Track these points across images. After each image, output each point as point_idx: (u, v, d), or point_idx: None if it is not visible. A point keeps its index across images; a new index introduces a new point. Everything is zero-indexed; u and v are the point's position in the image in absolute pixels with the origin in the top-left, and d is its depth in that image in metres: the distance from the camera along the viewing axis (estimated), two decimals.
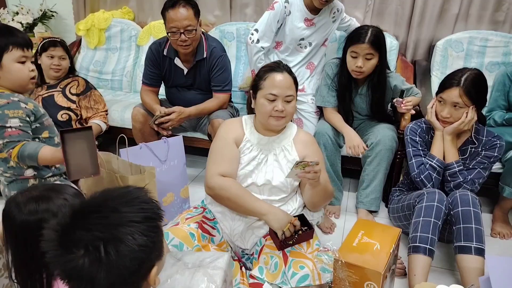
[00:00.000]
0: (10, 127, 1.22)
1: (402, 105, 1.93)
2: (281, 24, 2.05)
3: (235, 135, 1.52)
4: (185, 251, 1.39)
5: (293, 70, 2.14)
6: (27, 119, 1.29)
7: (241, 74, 2.63)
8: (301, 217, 1.49)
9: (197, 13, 1.96)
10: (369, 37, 1.86)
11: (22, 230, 0.90)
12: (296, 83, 1.50)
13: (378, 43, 1.88)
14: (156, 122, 1.98)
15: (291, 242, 1.40)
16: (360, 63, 1.89)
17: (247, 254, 1.54)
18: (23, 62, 1.29)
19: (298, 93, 2.18)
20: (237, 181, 1.48)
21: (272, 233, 1.42)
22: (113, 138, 1.83)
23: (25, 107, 1.29)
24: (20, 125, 1.25)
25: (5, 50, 1.25)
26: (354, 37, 1.92)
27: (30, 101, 1.36)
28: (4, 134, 1.21)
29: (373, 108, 2.05)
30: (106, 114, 2.35)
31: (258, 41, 2.03)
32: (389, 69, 2.09)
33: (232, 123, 1.58)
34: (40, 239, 0.73)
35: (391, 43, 2.40)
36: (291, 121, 2.25)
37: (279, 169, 1.49)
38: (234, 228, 1.49)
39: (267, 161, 1.50)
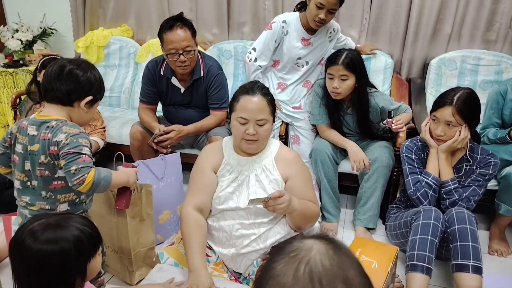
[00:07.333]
0: (85, 154, 1.27)
1: (393, 124, 1.97)
2: (279, 44, 2.08)
3: (213, 162, 1.50)
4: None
5: (290, 88, 2.20)
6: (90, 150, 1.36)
7: None
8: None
9: (194, 33, 1.99)
10: (343, 59, 1.92)
11: (37, 259, 0.88)
12: (272, 105, 1.46)
13: (353, 64, 1.93)
14: (155, 141, 1.99)
15: None
16: (336, 84, 1.94)
17: (243, 276, 1.51)
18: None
19: (295, 110, 2.23)
20: (202, 221, 1.44)
21: None
22: (110, 155, 1.83)
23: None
24: (88, 154, 1.30)
25: (98, 101, 1.42)
26: (330, 59, 1.99)
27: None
28: (79, 160, 1.25)
29: (360, 126, 2.08)
30: (104, 131, 2.36)
31: (255, 59, 2.06)
32: (375, 88, 2.13)
33: (211, 148, 1.57)
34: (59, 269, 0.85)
35: (386, 61, 2.44)
36: (286, 141, 2.28)
37: (262, 189, 1.43)
38: (224, 254, 1.46)
39: (248, 182, 1.45)
